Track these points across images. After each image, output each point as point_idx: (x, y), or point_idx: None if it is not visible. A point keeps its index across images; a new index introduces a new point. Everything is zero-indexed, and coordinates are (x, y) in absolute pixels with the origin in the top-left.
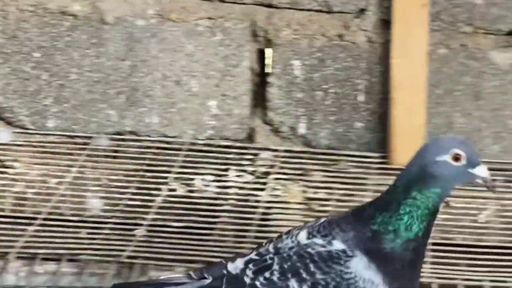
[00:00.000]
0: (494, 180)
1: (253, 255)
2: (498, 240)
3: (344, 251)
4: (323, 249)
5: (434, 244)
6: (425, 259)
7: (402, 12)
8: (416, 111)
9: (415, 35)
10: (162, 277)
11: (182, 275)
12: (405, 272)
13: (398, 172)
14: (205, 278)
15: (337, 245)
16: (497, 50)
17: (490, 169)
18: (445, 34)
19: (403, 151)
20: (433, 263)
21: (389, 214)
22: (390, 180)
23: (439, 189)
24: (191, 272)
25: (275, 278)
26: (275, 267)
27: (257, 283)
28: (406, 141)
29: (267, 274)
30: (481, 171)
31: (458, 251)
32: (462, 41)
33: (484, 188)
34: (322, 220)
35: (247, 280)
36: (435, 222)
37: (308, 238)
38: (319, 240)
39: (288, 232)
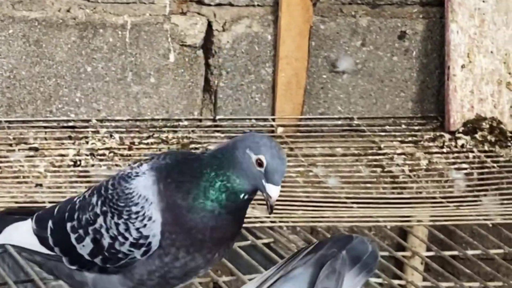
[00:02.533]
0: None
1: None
2: None
3: (137, 172)
4: (129, 170)
5: None
6: None
7: None
8: None
9: None
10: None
11: None
12: (187, 217)
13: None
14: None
15: (143, 168)
16: None
17: None
18: None
19: None
20: None
21: (203, 180)
22: None
23: (240, 179)
24: None
25: (86, 195)
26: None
27: (76, 200)
28: None
29: (86, 194)
30: (272, 190)
31: None
32: None
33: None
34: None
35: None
36: None
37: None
38: (135, 164)
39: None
